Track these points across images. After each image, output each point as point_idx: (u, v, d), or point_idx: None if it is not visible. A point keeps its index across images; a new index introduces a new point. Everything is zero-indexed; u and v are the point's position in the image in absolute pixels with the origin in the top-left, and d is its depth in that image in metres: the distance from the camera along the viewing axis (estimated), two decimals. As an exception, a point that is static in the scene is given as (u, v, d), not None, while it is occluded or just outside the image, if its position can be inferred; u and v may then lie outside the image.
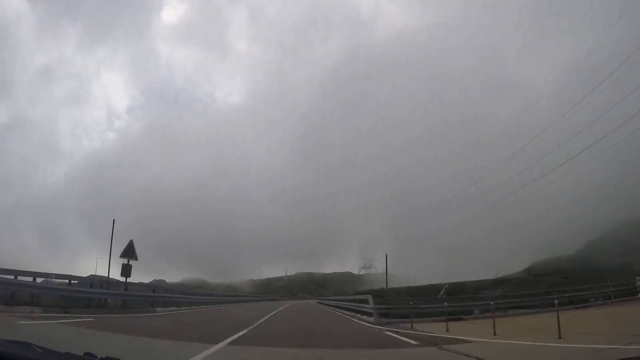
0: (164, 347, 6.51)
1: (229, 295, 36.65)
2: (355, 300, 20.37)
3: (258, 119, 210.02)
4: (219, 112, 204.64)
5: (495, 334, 9.14)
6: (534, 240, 54.59)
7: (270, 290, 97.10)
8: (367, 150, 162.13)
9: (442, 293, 39.29)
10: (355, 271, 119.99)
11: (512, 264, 47.55)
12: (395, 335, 9.75)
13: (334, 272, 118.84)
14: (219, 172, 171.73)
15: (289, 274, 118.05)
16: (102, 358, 2.00)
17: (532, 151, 49.31)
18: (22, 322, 8.32)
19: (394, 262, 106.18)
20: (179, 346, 6.50)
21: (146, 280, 79.76)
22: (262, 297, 54.96)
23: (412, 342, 8.33)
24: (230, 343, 7.13)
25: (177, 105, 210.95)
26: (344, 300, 25.32)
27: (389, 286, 55.99)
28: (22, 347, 1.79)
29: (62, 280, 15.48)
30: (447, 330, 10.79)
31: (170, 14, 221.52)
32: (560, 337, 7.66)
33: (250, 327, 10.71)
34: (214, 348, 6.20)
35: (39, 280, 13.76)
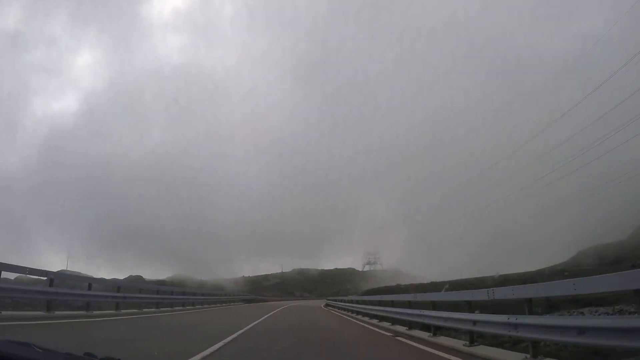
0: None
1: (196, 295, 28.16)
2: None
3: (248, 74, 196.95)
4: (198, 66, 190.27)
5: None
6: (577, 226, 49.11)
7: (263, 288, 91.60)
8: (377, 106, 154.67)
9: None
10: (358, 267, 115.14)
11: (552, 255, 42.24)
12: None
13: (335, 268, 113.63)
14: (202, 144, 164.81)
15: (284, 270, 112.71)
16: (102, 358, 2.01)
17: (577, 117, 43.52)
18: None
19: (401, 258, 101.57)
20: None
21: (121, 276, 74.89)
22: (239, 296, 41.67)
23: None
24: None
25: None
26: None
27: (389, 284, 50.99)
28: (22, 347, 1.84)
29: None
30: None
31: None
32: None
33: None
34: None
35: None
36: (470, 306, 7.71)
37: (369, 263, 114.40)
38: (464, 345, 7.71)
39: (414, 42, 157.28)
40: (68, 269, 73.60)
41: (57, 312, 12.24)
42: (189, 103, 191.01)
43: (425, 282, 39.69)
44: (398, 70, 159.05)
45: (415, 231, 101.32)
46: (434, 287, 33.24)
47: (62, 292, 12.78)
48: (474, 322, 7.08)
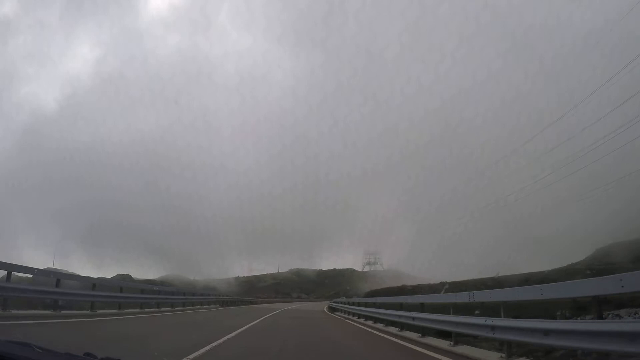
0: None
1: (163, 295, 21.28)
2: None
3: (246, 62, 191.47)
4: (192, 53, 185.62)
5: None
6: (580, 226, 47.64)
7: (258, 289, 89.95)
8: (379, 101, 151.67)
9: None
10: (358, 267, 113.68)
11: (556, 255, 40.81)
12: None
13: (334, 269, 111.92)
14: (196, 137, 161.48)
15: (281, 270, 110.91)
16: (102, 358, 2.05)
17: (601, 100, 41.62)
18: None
19: (402, 258, 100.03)
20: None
21: (109, 275, 72.86)
22: (216, 297, 33.23)
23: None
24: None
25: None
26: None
27: (390, 285, 49.45)
28: (22, 347, 1.86)
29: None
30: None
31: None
32: None
33: None
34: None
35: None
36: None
37: (369, 263, 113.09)
38: (501, 357, 6.43)
39: (418, 33, 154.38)
40: (54, 266, 71.80)
41: (14, 311, 10.95)
42: (181, 91, 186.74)
43: (435, 282, 38.14)
44: (400, 64, 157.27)
45: (418, 230, 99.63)
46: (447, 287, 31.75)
47: (16, 288, 10.93)
48: (546, 332, 5.40)
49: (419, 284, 39.63)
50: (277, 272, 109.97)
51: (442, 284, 33.92)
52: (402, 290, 35.51)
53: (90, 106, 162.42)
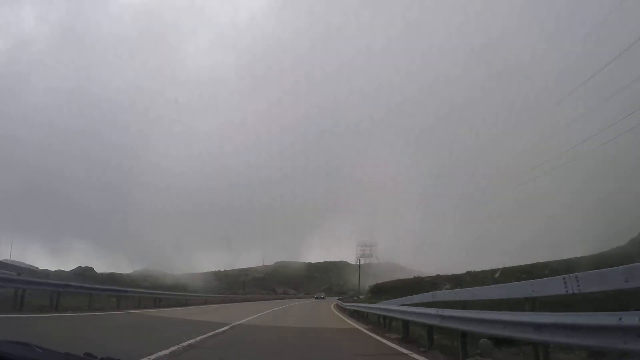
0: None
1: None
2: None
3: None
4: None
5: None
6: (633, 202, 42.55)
7: (240, 284, 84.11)
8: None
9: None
10: (351, 260, 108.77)
11: (605, 238, 35.71)
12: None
13: (325, 261, 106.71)
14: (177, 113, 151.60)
15: (266, 263, 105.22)
16: (102, 358, 2.07)
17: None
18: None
19: (402, 249, 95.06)
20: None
21: (67, 267, 66.23)
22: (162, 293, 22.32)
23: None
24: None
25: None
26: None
27: (388, 279, 44.95)
28: (22, 347, 1.89)
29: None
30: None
31: None
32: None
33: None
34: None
35: None
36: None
37: (363, 256, 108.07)
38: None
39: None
40: (11, 258, 64.99)
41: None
42: (150, 48, 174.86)
43: (460, 272, 33.03)
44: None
45: (424, 218, 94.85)
46: (472, 279, 26.49)
47: None
48: None
49: (438, 274, 34.66)
50: (261, 265, 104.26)
51: (468, 273, 28.87)
52: (418, 284, 30.59)
53: (39, 61, 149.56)
